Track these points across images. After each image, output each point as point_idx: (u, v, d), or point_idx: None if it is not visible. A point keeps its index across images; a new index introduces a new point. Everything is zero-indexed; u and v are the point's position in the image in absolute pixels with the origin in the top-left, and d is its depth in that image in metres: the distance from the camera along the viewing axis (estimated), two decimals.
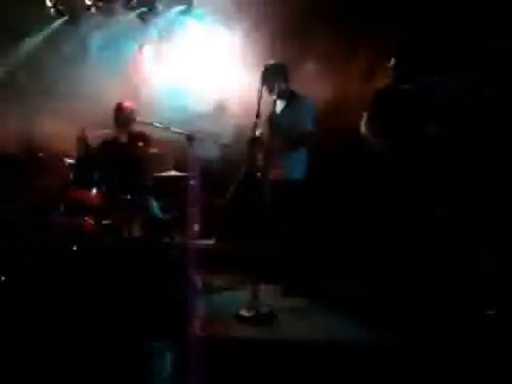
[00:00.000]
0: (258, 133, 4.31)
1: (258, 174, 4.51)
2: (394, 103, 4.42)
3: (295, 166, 4.53)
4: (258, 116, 4.03)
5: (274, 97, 4.35)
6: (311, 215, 4.76)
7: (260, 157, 4.55)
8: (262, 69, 4.32)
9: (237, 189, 5.58)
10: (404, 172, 4.32)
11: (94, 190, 4.51)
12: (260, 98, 4.05)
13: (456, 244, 4.29)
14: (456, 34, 4.69)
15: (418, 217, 4.31)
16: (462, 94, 4.53)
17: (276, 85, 4.41)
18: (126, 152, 4.88)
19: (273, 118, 4.41)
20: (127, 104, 5.01)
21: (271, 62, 4.58)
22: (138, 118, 4.90)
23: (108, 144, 5.04)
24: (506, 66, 4.43)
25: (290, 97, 4.56)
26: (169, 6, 5.64)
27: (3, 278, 3.97)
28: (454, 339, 3.38)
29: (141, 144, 4.78)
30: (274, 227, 4.50)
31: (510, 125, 4.41)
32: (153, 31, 5.78)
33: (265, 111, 4.26)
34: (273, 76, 4.45)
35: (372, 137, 4.44)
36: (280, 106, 4.57)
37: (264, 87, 4.36)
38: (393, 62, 4.49)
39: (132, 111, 4.96)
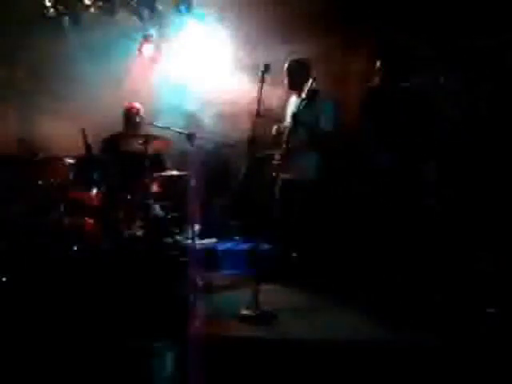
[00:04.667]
0: (274, 130, 4.45)
1: (273, 174, 4.59)
2: (384, 103, 4.44)
3: (309, 166, 4.60)
4: (258, 115, 4.03)
5: (303, 95, 4.33)
6: (323, 215, 4.80)
7: (276, 156, 4.63)
8: (262, 68, 4.28)
9: (238, 188, 5.59)
10: (405, 172, 4.33)
11: (94, 190, 4.50)
12: (260, 97, 4.05)
13: (457, 242, 4.29)
14: (447, 32, 4.71)
15: (418, 216, 4.32)
16: (456, 93, 4.55)
17: (302, 82, 4.44)
18: (126, 151, 4.88)
19: (297, 116, 4.40)
20: (138, 105, 5.00)
21: (294, 57, 4.64)
22: (137, 118, 4.92)
23: (109, 144, 5.04)
24: (502, 64, 4.44)
25: (312, 95, 4.46)
26: (169, 6, 5.64)
27: (4, 279, 3.96)
28: (453, 338, 3.37)
29: (141, 143, 4.77)
30: (284, 226, 4.60)
31: (507, 124, 4.42)
32: (152, 31, 5.78)
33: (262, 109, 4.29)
34: (298, 72, 4.55)
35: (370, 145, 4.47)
36: (298, 103, 4.51)
37: (286, 83, 4.52)
38: (378, 64, 4.52)
39: (141, 112, 4.97)
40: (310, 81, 4.24)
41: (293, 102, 4.74)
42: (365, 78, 5.26)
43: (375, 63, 4.64)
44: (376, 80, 4.59)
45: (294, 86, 4.65)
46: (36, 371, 3.08)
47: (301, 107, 4.36)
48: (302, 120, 4.41)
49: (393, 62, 4.52)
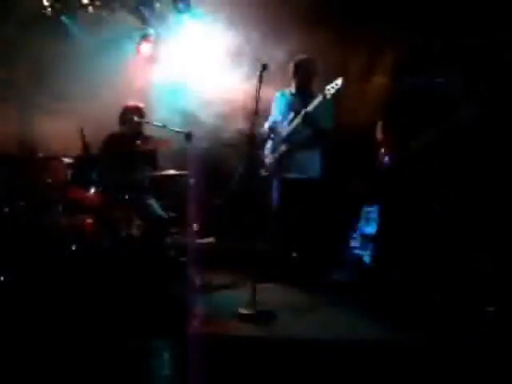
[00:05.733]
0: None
1: (264, 172, 4.60)
2: (409, 106, 4.44)
3: (311, 164, 4.60)
4: (256, 113, 4.03)
5: (327, 95, 4.38)
6: (324, 214, 4.83)
7: (268, 155, 4.62)
8: (260, 68, 4.28)
9: (237, 187, 5.59)
10: (407, 173, 4.33)
11: (93, 190, 4.49)
12: (258, 95, 4.04)
13: (457, 242, 4.28)
14: (454, 31, 4.71)
15: (419, 216, 4.31)
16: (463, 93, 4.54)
17: (311, 80, 4.64)
18: (126, 150, 4.85)
19: (309, 115, 4.46)
20: (138, 104, 4.97)
21: (301, 56, 4.69)
22: (136, 118, 4.90)
23: (109, 142, 5.01)
24: (503, 62, 4.43)
25: (310, 94, 4.59)
26: (167, 5, 5.63)
27: (2, 278, 3.96)
28: (453, 338, 3.36)
29: (139, 142, 4.75)
30: (285, 225, 4.64)
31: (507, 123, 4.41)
32: (151, 30, 5.78)
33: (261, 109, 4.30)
34: (310, 70, 4.65)
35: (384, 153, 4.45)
36: (298, 102, 4.63)
37: (296, 79, 4.62)
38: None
39: (142, 111, 4.94)
40: (340, 81, 4.30)
41: (286, 100, 4.75)
42: (364, 76, 5.27)
43: (374, 62, 4.65)
44: (406, 81, 4.59)
45: (305, 83, 4.69)
46: (36, 371, 3.06)
47: (314, 107, 4.42)
48: (312, 119, 4.45)
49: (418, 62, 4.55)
